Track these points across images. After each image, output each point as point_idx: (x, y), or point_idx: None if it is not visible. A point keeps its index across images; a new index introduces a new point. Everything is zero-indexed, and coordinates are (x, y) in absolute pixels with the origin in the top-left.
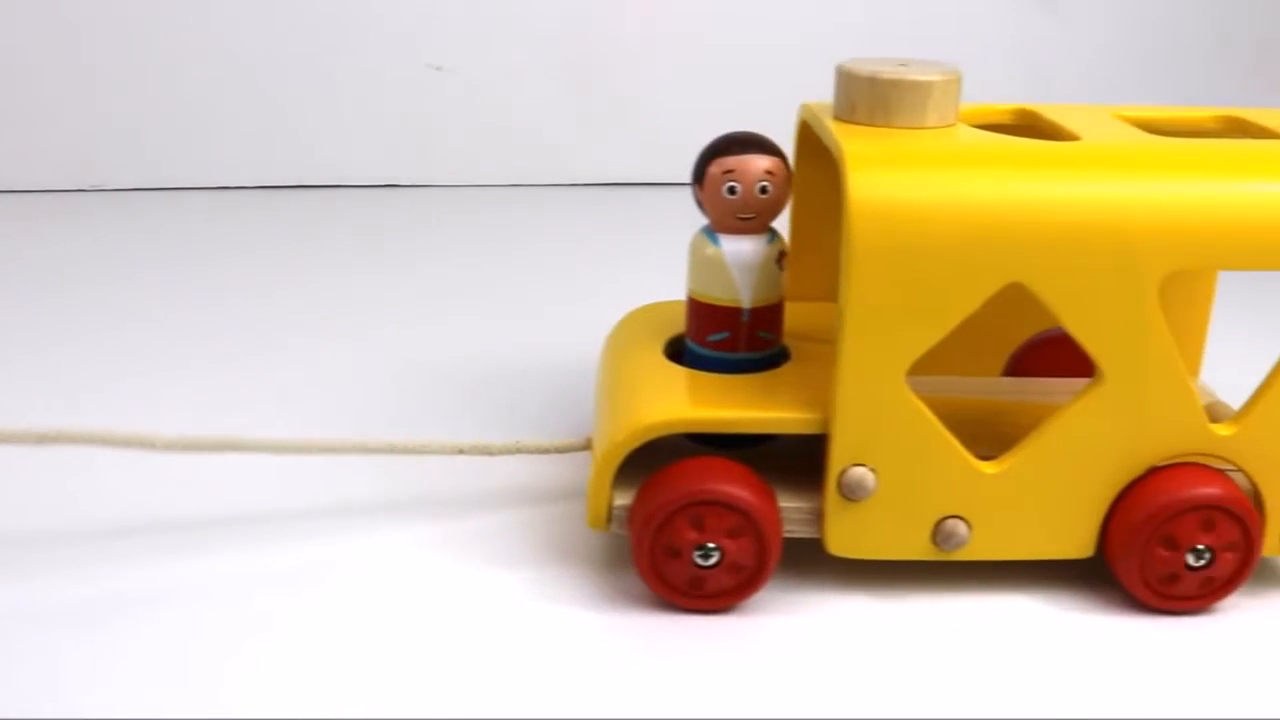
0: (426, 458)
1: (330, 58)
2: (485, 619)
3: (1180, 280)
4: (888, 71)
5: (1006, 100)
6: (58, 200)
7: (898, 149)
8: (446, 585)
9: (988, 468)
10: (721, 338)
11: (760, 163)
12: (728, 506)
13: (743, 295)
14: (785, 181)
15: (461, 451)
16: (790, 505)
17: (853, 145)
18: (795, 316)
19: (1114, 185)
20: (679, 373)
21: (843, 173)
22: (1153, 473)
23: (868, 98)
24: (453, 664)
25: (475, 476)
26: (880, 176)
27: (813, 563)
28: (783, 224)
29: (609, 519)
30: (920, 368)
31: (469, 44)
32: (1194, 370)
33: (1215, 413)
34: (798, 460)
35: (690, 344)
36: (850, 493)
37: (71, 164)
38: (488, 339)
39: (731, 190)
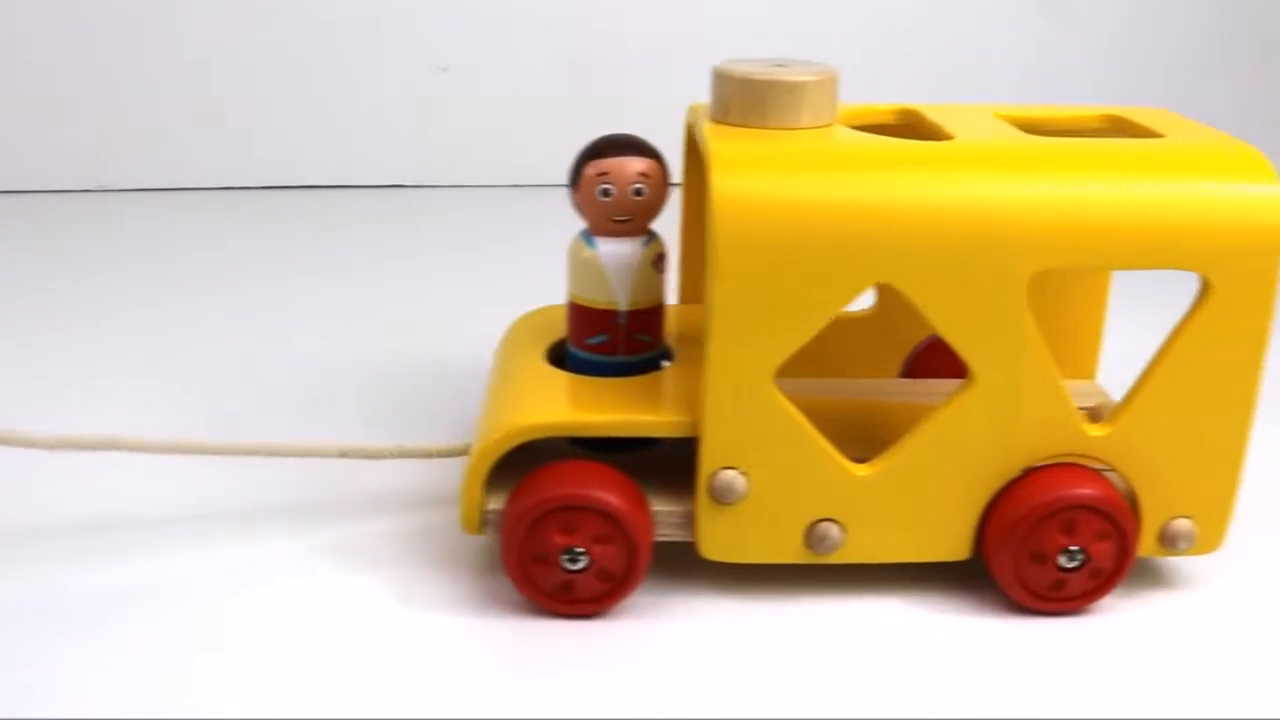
0: (311, 460)
1: (336, 59)
2: (355, 624)
3: (1074, 279)
4: (760, 72)
5: (1004, 101)
6: (67, 200)
7: (765, 150)
8: (320, 589)
9: (860, 470)
10: (600, 341)
11: (635, 165)
12: (595, 511)
13: (619, 298)
14: (661, 184)
15: (344, 454)
16: (663, 509)
17: (720, 146)
18: (685, 319)
19: (981, 185)
20: (556, 376)
21: (708, 173)
22: (1029, 474)
23: (741, 99)
24: (322, 668)
25: (360, 480)
26: (745, 177)
27: (689, 567)
28: (672, 226)
29: (483, 523)
30: (815, 368)
31: (473, 45)
32: (1090, 370)
33: (1107, 413)
34: (681, 463)
35: (571, 348)
36: (720, 496)
37: (78, 164)
38: (440, 338)
39: (605, 193)
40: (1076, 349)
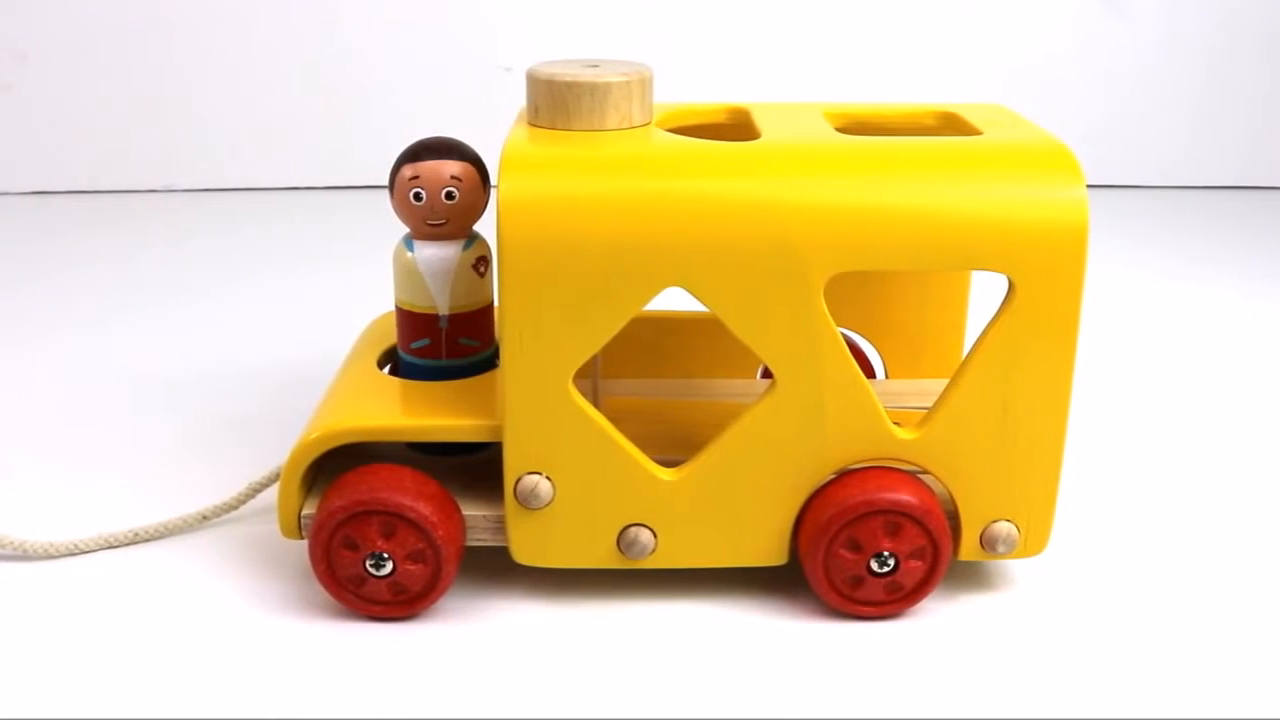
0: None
1: (402, 59)
2: (172, 630)
3: (934, 278)
4: (565, 74)
5: (1070, 100)
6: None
7: (558, 152)
8: (141, 597)
9: (668, 475)
10: (423, 345)
11: (447, 169)
12: (396, 516)
13: (438, 301)
14: (476, 187)
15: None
16: (476, 514)
17: (514, 148)
18: None
19: (773, 188)
20: (380, 381)
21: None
22: (841, 476)
23: (548, 100)
24: (133, 670)
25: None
26: (532, 178)
27: (509, 570)
28: None
29: (300, 527)
30: (678, 369)
31: (539, 45)
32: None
33: None
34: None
35: (400, 352)
36: (526, 501)
37: (146, 165)
38: None
39: (417, 196)
40: (940, 347)
